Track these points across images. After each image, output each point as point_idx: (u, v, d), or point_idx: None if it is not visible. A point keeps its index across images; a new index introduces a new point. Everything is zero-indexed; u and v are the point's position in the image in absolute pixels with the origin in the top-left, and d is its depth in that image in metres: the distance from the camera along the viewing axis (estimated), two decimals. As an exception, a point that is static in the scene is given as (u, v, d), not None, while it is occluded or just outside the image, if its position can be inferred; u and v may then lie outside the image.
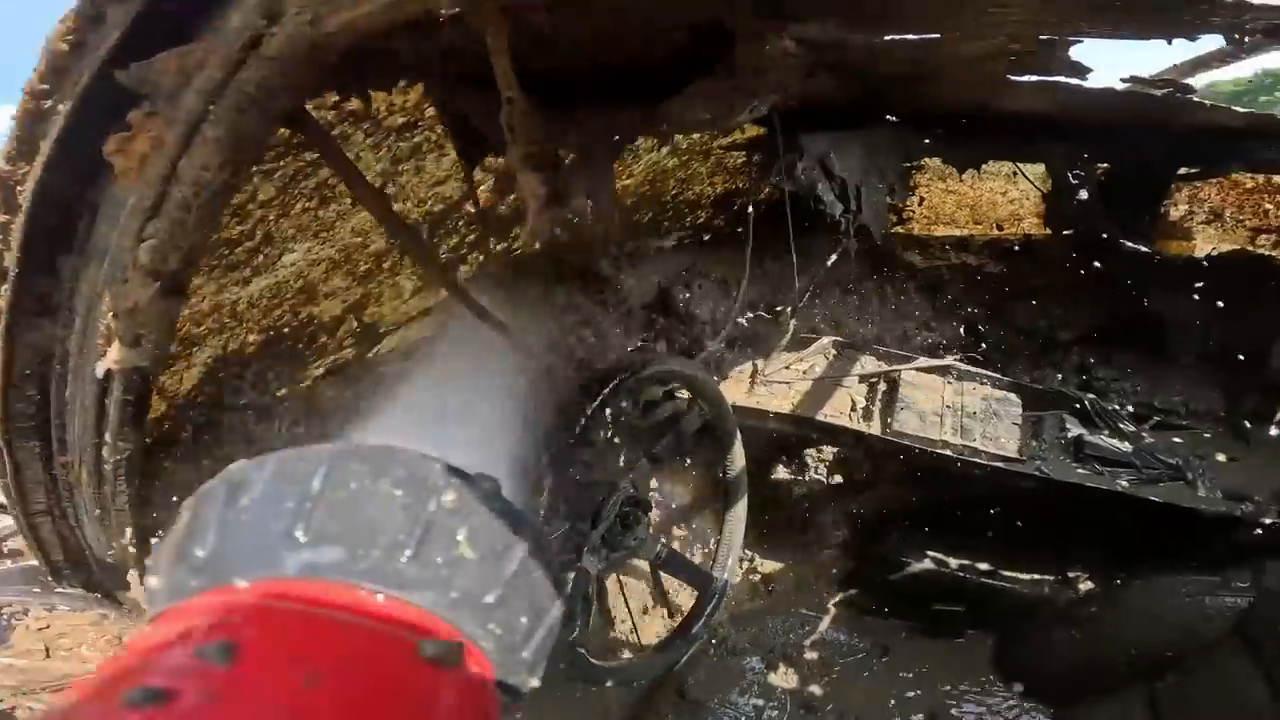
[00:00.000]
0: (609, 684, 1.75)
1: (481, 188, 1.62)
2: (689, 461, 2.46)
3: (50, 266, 0.79)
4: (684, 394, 1.91)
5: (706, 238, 2.65)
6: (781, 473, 2.70)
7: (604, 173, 1.05)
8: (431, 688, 0.32)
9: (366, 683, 0.30)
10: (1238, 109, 1.93)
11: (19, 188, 0.69)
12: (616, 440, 1.72)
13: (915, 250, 2.64)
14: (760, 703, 2.33)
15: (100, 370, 0.81)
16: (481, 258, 1.98)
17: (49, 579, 1.25)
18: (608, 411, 1.61)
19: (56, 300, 0.81)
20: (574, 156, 1.02)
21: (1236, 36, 1.19)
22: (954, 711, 2.14)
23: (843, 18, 1.23)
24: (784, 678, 2.39)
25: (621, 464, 1.76)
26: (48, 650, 1.37)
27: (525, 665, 0.40)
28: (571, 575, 1.58)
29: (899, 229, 2.70)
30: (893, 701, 2.22)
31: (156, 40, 0.61)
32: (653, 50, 1.05)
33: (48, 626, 1.40)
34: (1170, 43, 1.31)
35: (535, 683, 0.41)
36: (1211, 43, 1.89)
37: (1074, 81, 1.67)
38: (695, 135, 2.11)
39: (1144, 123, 2.00)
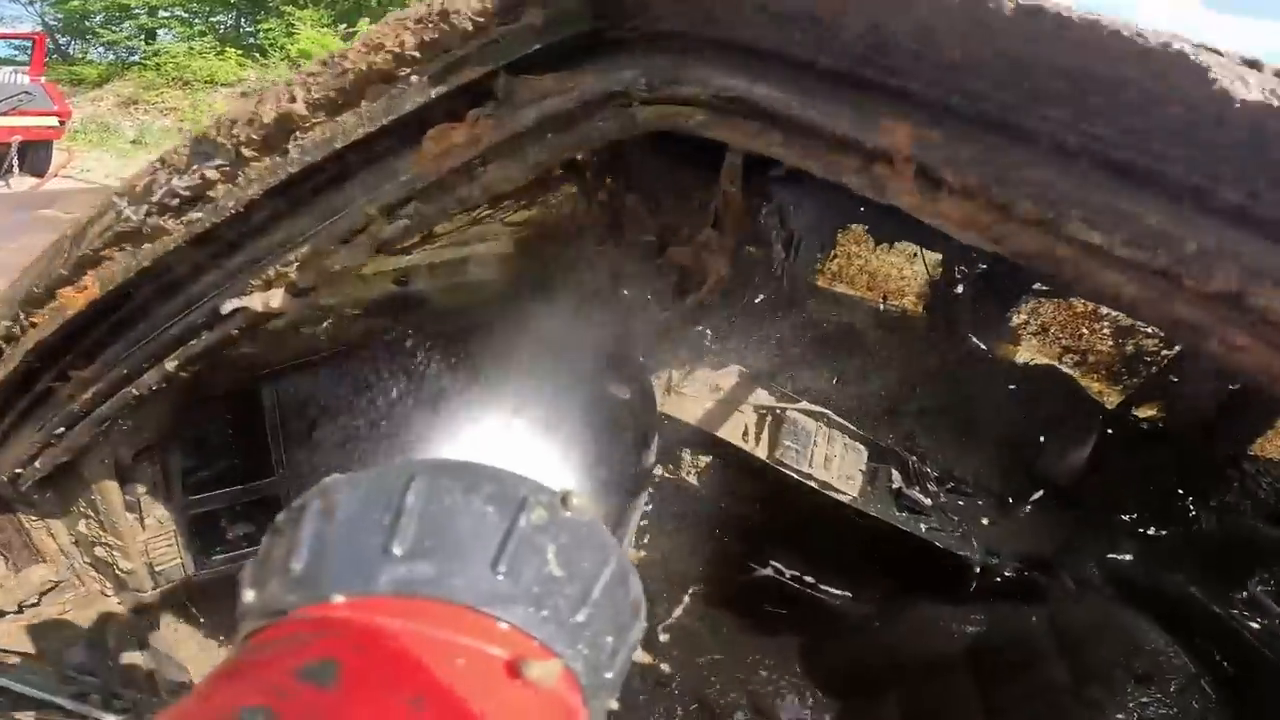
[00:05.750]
0: None
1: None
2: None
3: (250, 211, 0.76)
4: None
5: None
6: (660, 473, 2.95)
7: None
8: (532, 708, 0.31)
9: (471, 704, 0.29)
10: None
11: (298, 135, 0.66)
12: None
13: (815, 299, 3.07)
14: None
15: (233, 305, 0.78)
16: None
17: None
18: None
19: (224, 235, 0.76)
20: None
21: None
22: (770, 698, 2.58)
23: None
24: (640, 655, 2.67)
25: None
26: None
27: (609, 686, 0.38)
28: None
29: (807, 279, 3.09)
30: (726, 684, 2.61)
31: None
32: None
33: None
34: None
35: (614, 705, 0.40)
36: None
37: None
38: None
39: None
